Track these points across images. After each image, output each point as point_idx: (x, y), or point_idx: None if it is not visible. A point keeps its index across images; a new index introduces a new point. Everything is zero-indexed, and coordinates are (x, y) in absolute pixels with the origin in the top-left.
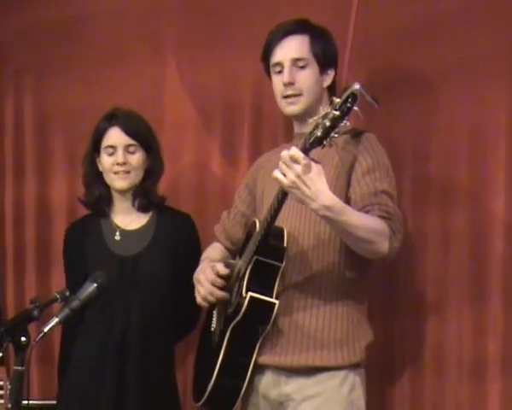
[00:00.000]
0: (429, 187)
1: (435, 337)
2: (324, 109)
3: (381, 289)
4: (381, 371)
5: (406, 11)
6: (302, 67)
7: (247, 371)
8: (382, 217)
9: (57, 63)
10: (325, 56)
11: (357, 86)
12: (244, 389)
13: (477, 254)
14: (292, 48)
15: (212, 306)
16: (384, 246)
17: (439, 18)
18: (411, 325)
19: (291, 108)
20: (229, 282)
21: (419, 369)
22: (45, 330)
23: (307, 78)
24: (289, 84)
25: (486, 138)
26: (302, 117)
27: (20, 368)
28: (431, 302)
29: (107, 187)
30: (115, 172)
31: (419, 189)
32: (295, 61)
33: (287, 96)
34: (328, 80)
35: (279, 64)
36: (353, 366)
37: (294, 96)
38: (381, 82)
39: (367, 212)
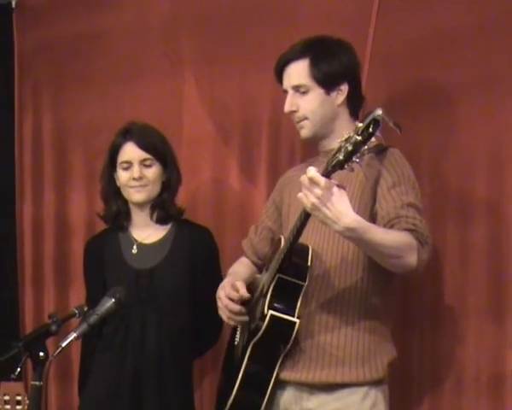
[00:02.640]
0: (447, 202)
1: (453, 353)
2: (348, 133)
3: (398, 303)
4: (399, 387)
5: (425, 26)
6: (304, 93)
7: (267, 388)
8: (409, 230)
9: (76, 78)
10: (328, 76)
11: (379, 112)
12: (264, 405)
13: (496, 268)
14: (291, 75)
15: None
16: (412, 259)
17: (458, 33)
18: (429, 341)
19: (301, 132)
20: (253, 297)
21: (437, 385)
22: (63, 345)
23: (310, 103)
24: (292, 112)
25: (504, 153)
26: (317, 139)
27: (38, 383)
28: (450, 318)
29: (125, 202)
30: (132, 187)
31: (437, 204)
32: (296, 87)
33: (296, 123)
34: (340, 97)
35: (285, 91)
36: (375, 383)
37: (300, 121)
38: (399, 97)
39: (394, 225)
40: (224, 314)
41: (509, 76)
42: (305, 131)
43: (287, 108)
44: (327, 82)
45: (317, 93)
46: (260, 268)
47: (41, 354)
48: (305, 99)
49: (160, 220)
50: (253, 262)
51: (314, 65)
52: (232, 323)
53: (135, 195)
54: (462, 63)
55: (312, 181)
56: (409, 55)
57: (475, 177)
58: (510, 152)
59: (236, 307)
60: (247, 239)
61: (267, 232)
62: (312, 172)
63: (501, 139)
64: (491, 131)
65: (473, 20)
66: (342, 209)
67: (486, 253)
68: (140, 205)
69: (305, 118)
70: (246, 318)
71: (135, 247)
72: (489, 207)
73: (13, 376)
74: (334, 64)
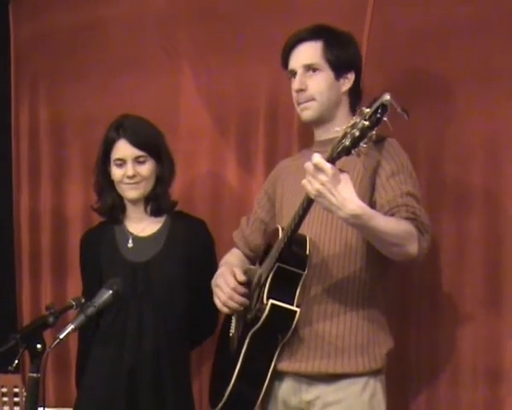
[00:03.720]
0: (445, 192)
1: (451, 344)
2: (353, 119)
3: (395, 294)
4: (396, 377)
5: (422, 17)
6: (314, 73)
7: (265, 378)
8: (409, 218)
9: (73, 70)
10: (340, 61)
11: (387, 97)
12: (262, 395)
13: (493, 259)
14: (303, 54)
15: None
16: (413, 247)
17: (455, 24)
18: (426, 331)
19: (305, 113)
20: (249, 288)
21: (434, 375)
22: (61, 337)
23: (319, 83)
24: (300, 90)
25: (502, 144)
26: (319, 123)
27: (35, 375)
28: (447, 308)
29: (119, 195)
30: (125, 183)
31: (434, 194)
32: (307, 67)
33: (299, 103)
34: (347, 84)
35: (292, 71)
36: (374, 373)
37: (307, 101)
38: (395, 88)
39: (393, 214)
40: (220, 302)
41: (506, 67)
42: (310, 112)
43: (296, 85)
44: (338, 66)
45: (327, 75)
46: (252, 260)
47: (38, 345)
48: (315, 79)
49: (155, 213)
50: (245, 254)
51: (328, 47)
52: (225, 310)
53: (129, 192)
54: (458, 54)
55: (317, 167)
56: (405, 47)
57: (472, 167)
58: (507, 143)
59: (240, 298)
60: (239, 231)
61: (259, 224)
62: (318, 158)
63: (498, 130)
64: (488, 122)
65: (469, 11)
66: (347, 196)
67: (483, 243)
68: (134, 201)
69: (313, 99)
70: (241, 307)
71: (130, 240)
72: (486, 197)
73: (10, 368)
74: (345, 52)
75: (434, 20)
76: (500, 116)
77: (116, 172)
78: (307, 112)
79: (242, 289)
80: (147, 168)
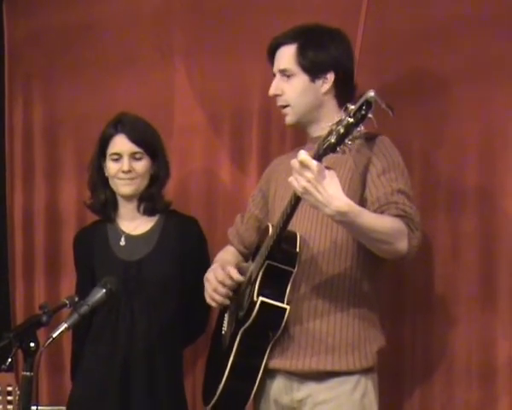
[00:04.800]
0: (438, 191)
1: (445, 342)
2: (338, 116)
3: (390, 293)
4: (390, 375)
5: (416, 17)
6: (289, 78)
7: (256, 375)
8: (399, 216)
9: (67, 69)
10: (314, 64)
11: (371, 93)
12: (254, 392)
13: (486, 258)
14: (279, 59)
15: (223, 308)
16: (403, 245)
17: (449, 24)
18: (420, 330)
19: (285, 119)
20: (241, 285)
21: (428, 373)
22: (54, 335)
23: (294, 88)
24: (275, 95)
25: (496, 144)
26: (303, 125)
27: (28, 374)
28: (441, 307)
29: (112, 192)
30: (120, 179)
31: (428, 193)
32: (283, 71)
33: (280, 107)
34: (325, 86)
35: (274, 75)
36: (365, 371)
37: (284, 107)
38: (390, 87)
39: (383, 211)
40: (208, 296)
41: (501, 66)
42: (288, 117)
43: (271, 91)
44: (312, 69)
45: (301, 79)
46: (246, 257)
47: (32, 344)
48: (290, 83)
49: (147, 212)
50: (239, 251)
51: (301, 51)
52: (213, 304)
53: (123, 187)
54: (453, 53)
55: (303, 164)
56: (400, 46)
57: (466, 166)
58: (501, 142)
59: (224, 291)
60: (233, 228)
61: (254, 221)
62: (303, 155)
63: (492, 129)
64: (483, 122)
65: (464, 10)
66: (333, 193)
67: (477, 242)
68: (127, 197)
69: (288, 105)
70: (227, 301)
71: (123, 239)
72: (480, 196)
73: (3, 367)
74: (321, 53)
75: (428, 20)
76: (494, 116)
77: (112, 167)
78: (287, 117)
79: (229, 282)
80: (142, 165)
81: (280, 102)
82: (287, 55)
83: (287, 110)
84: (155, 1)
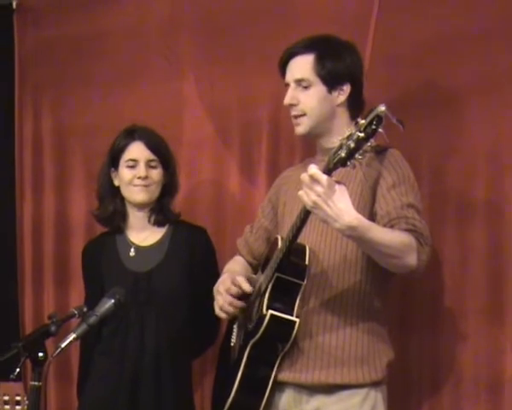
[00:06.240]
0: (447, 204)
1: (453, 355)
2: (349, 130)
3: (397, 305)
4: (398, 388)
5: (426, 27)
6: (306, 88)
7: (266, 388)
8: (409, 230)
9: (76, 79)
10: (332, 74)
11: (382, 108)
12: (263, 405)
13: (495, 270)
14: (295, 69)
15: (232, 320)
16: (412, 259)
17: (459, 36)
18: (429, 343)
19: (297, 129)
20: (250, 297)
21: (436, 386)
22: (62, 345)
23: (311, 98)
24: (291, 105)
25: (505, 156)
26: (313, 136)
27: (37, 384)
28: (449, 319)
29: (122, 202)
30: (135, 185)
31: (437, 205)
32: (298, 81)
33: (293, 117)
34: (341, 97)
35: (287, 84)
36: (375, 384)
37: (298, 116)
38: (399, 98)
39: (393, 226)
40: (217, 307)
41: (510, 79)
42: (302, 127)
43: (287, 100)
44: (330, 80)
45: (318, 89)
46: (255, 268)
47: (40, 354)
48: (306, 94)
49: (158, 223)
50: (248, 261)
51: (319, 61)
52: (222, 315)
53: (138, 194)
54: (463, 65)
55: (313, 178)
56: (409, 57)
57: (475, 179)
58: (510, 155)
59: (238, 303)
60: (242, 238)
61: (263, 232)
62: (313, 169)
63: (501, 142)
64: (492, 134)
65: (474, 21)
66: (343, 207)
67: (486, 255)
68: (139, 206)
69: (304, 114)
70: (235, 311)
71: (132, 250)
72: (488, 209)
73: (12, 376)
74: (339, 64)
75: (438, 32)
76: (503, 128)
77: (126, 174)
78: (299, 128)
79: (238, 293)
80: (157, 173)
81: (295, 112)
82: (303, 65)
83: (301, 120)
84: (165, 13)
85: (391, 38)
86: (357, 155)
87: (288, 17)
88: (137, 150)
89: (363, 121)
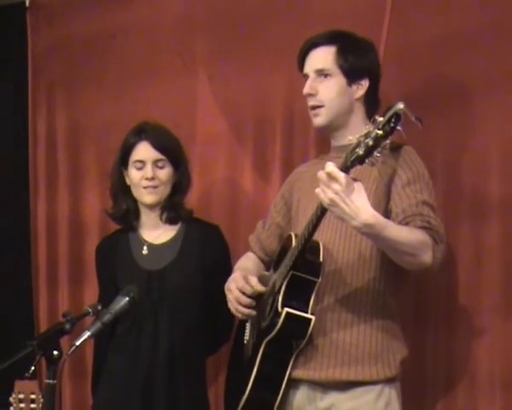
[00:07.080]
0: (462, 200)
1: (467, 352)
2: (366, 127)
3: (412, 303)
4: (412, 386)
5: (439, 25)
6: (326, 78)
7: (280, 386)
8: (424, 228)
9: (90, 77)
10: (354, 67)
11: (401, 106)
12: (278, 403)
13: (509, 268)
14: (316, 59)
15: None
16: (427, 257)
17: (473, 32)
18: (443, 340)
19: (315, 120)
20: (263, 295)
21: (451, 384)
22: (77, 343)
23: (330, 89)
24: (309, 95)
25: None
26: (331, 129)
27: (52, 382)
28: (463, 317)
29: (134, 200)
30: (144, 187)
31: (451, 202)
32: (319, 72)
33: (311, 108)
34: (360, 91)
35: (306, 75)
36: (389, 380)
37: (316, 107)
38: (413, 96)
39: (408, 223)
40: (232, 306)
41: None
42: (320, 118)
43: (306, 89)
44: (351, 73)
45: (338, 81)
46: (267, 264)
47: (55, 352)
48: (326, 84)
49: (170, 221)
50: (260, 258)
51: (341, 53)
52: (239, 316)
53: (147, 196)
54: (476, 63)
55: (331, 176)
56: (423, 55)
57: (489, 176)
58: None
59: (247, 300)
60: (255, 235)
61: (275, 228)
62: (331, 167)
63: None
64: (506, 130)
65: (487, 19)
66: (360, 205)
67: (500, 251)
68: (150, 206)
69: (322, 105)
70: (254, 312)
71: (145, 248)
72: (503, 205)
73: (27, 374)
74: (360, 58)
75: (452, 28)
76: None
77: (135, 174)
78: (317, 118)
79: (250, 291)
80: (165, 173)
81: (312, 102)
82: (325, 55)
83: (319, 111)
84: (178, 10)
85: (405, 34)
86: (375, 153)
87: (302, 14)
88: (144, 151)
89: (381, 119)
